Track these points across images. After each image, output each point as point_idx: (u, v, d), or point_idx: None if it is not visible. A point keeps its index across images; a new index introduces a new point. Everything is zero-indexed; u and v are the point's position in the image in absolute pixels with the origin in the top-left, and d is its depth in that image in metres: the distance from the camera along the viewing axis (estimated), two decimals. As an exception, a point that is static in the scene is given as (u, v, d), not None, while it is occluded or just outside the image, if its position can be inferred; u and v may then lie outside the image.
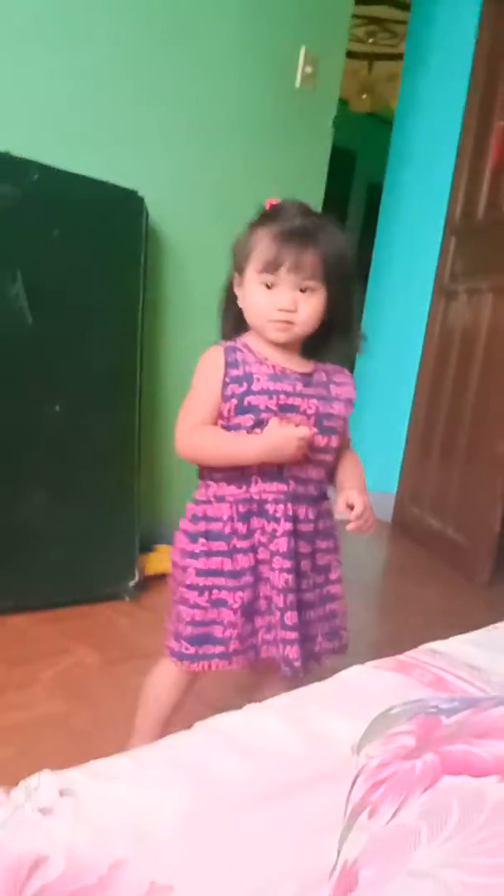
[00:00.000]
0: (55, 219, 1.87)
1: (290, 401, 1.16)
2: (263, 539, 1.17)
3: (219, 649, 1.16)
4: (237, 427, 1.15)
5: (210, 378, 1.16)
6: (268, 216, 1.17)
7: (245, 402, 1.14)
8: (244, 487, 1.17)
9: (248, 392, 1.14)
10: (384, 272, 3.47)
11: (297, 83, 2.48)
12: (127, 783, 0.70)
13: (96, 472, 2.01)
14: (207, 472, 1.19)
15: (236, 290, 1.20)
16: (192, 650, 1.17)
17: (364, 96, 5.52)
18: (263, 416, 1.14)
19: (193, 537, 1.18)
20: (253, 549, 1.17)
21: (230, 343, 1.19)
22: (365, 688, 0.91)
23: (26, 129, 1.92)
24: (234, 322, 1.22)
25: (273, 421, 1.13)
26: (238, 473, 1.16)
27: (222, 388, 1.14)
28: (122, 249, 2.02)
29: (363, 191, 6.18)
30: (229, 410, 1.14)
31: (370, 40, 5.15)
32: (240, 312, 1.19)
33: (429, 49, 3.29)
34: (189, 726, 0.82)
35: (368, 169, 5.65)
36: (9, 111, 1.90)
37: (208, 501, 1.18)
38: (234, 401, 1.14)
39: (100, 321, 1.96)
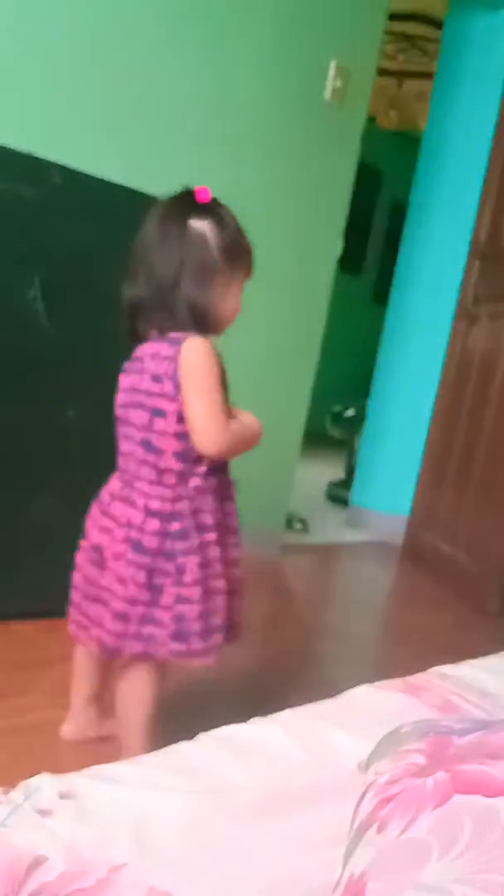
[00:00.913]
0: (76, 222, 1.87)
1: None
2: (227, 520, 1.25)
3: (219, 637, 1.20)
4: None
5: (218, 373, 1.18)
6: (222, 212, 1.20)
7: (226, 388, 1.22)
8: (223, 474, 1.24)
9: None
10: (406, 293, 3.46)
11: (326, 96, 2.50)
12: (129, 788, 0.68)
13: (107, 480, 2.00)
14: (189, 466, 1.19)
15: (217, 285, 1.18)
16: (200, 646, 1.18)
17: (392, 113, 5.54)
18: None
19: (184, 534, 1.18)
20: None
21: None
22: (372, 707, 0.90)
23: (51, 131, 1.93)
24: (186, 313, 1.18)
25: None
26: (221, 462, 1.22)
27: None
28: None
29: (387, 208, 6.18)
30: None
31: (400, 57, 5.17)
32: (195, 305, 1.17)
33: (460, 69, 3.30)
34: (192, 737, 0.81)
35: (393, 187, 5.67)
36: (36, 113, 1.92)
37: (189, 497, 1.19)
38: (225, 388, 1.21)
39: (118, 327, 1.96)
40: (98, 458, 1.97)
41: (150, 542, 1.18)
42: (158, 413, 1.17)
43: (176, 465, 1.18)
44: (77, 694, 1.36)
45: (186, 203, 1.19)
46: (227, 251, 1.18)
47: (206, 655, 1.19)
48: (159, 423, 1.18)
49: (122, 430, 1.24)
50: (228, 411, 1.20)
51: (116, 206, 1.96)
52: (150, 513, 1.18)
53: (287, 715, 0.85)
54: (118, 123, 2.07)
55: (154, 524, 1.18)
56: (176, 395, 1.15)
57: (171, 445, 1.18)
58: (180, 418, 1.16)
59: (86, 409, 1.93)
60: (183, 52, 2.16)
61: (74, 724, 1.36)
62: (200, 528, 1.20)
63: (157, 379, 1.17)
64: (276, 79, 2.39)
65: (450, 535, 2.96)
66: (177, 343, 1.16)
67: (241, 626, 1.28)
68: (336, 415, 4.45)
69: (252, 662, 1.87)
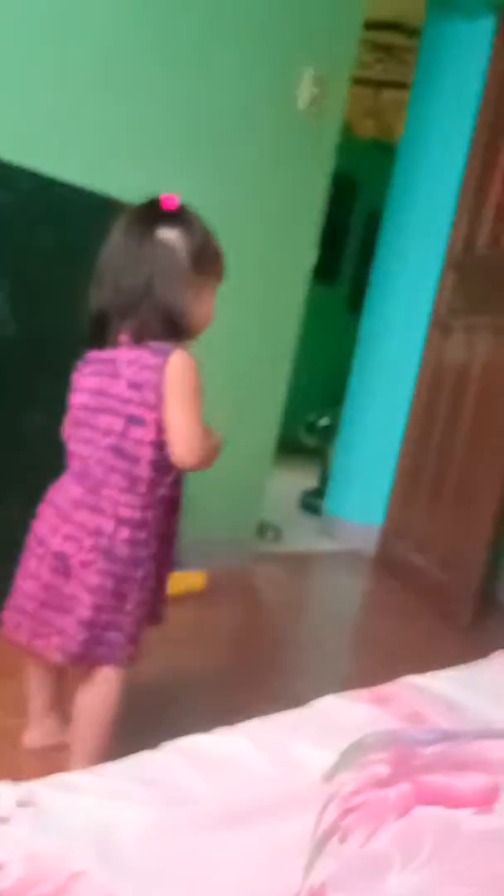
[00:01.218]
0: (45, 227, 1.87)
1: None
2: (171, 528, 1.28)
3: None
4: None
5: (200, 386, 1.19)
6: (191, 218, 1.21)
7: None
8: (181, 485, 1.27)
9: None
10: (381, 302, 3.47)
11: (302, 104, 2.51)
12: (91, 797, 0.68)
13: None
14: (160, 476, 1.20)
15: (189, 291, 1.18)
16: (143, 646, 1.25)
17: (369, 122, 5.59)
18: None
19: (147, 542, 1.21)
20: None
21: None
22: (338, 717, 0.90)
23: (20, 135, 1.91)
24: (160, 321, 1.18)
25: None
26: (179, 472, 1.24)
27: None
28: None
29: (363, 217, 6.21)
30: None
31: (378, 67, 5.22)
32: (169, 312, 1.17)
33: (437, 80, 3.33)
34: (155, 746, 0.80)
35: (369, 196, 5.70)
36: (3, 118, 1.90)
37: (154, 506, 1.21)
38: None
39: (84, 332, 1.95)
40: (63, 464, 1.96)
41: (122, 550, 1.18)
42: (136, 421, 1.17)
43: (148, 474, 1.19)
44: (35, 702, 1.35)
45: (154, 211, 1.19)
46: (197, 257, 1.18)
47: (139, 658, 1.25)
48: (136, 432, 1.17)
49: (81, 433, 1.23)
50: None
51: (84, 210, 1.95)
52: (120, 521, 1.18)
53: (252, 725, 0.84)
54: (89, 130, 2.05)
55: (125, 533, 1.18)
56: (157, 405, 1.16)
57: (146, 454, 1.18)
58: (159, 428, 1.17)
59: (51, 414, 1.91)
60: (157, 58, 2.16)
61: (36, 732, 1.35)
62: (157, 537, 1.23)
63: (135, 387, 1.17)
64: (252, 86, 2.39)
65: (422, 546, 2.97)
66: (161, 354, 1.16)
67: (163, 612, 1.34)
68: (310, 424, 4.47)
69: (220, 671, 1.86)
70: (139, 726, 1.33)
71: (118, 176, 2.07)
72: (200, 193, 2.43)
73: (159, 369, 1.15)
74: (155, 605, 1.29)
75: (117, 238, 1.19)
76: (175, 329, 1.18)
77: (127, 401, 1.17)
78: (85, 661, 1.20)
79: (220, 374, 2.51)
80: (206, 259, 1.20)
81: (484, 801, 0.55)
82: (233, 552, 2.68)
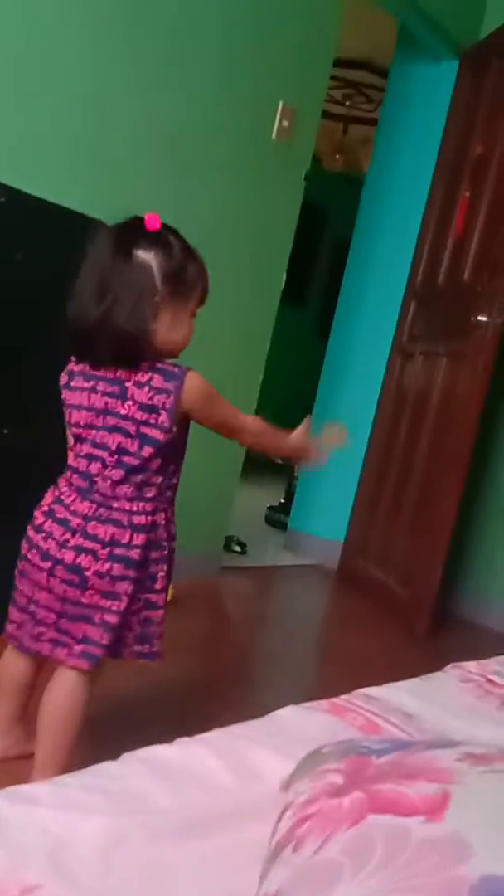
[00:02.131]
0: (19, 243, 1.87)
1: None
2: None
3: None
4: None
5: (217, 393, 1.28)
6: (171, 239, 1.22)
7: None
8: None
9: None
10: (346, 328, 3.54)
11: (273, 135, 2.55)
12: (47, 809, 0.68)
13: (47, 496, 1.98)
14: (167, 479, 1.25)
15: (162, 314, 1.19)
16: (158, 647, 1.28)
17: (337, 156, 5.70)
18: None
19: (158, 543, 1.25)
20: None
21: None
22: (297, 727, 0.91)
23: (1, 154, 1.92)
24: (121, 342, 1.18)
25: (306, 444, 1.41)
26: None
27: None
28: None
29: (332, 247, 6.31)
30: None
31: (347, 103, 5.34)
32: (128, 335, 1.18)
33: (403, 118, 3.43)
34: (116, 756, 0.80)
35: (338, 225, 5.80)
36: None
37: (164, 507, 1.26)
38: None
39: (59, 349, 1.95)
40: (38, 479, 1.95)
41: (139, 555, 1.23)
42: (152, 443, 1.21)
43: (156, 479, 1.24)
44: (1, 712, 1.34)
45: (135, 231, 1.20)
46: (172, 281, 1.19)
47: (158, 657, 1.29)
48: (148, 451, 1.21)
49: (85, 449, 1.23)
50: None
51: (61, 229, 1.95)
52: (135, 528, 1.22)
53: (213, 735, 0.86)
54: (66, 148, 2.07)
55: (141, 538, 1.22)
56: (171, 428, 1.21)
57: (155, 465, 1.23)
58: (171, 445, 1.23)
59: (23, 428, 1.91)
60: (135, 83, 2.19)
61: (1, 743, 1.34)
62: (170, 537, 1.27)
63: (149, 409, 1.19)
64: (225, 115, 2.43)
65: (382, 562, 3.01)
66: (173, 378, 1.20)
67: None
68: (276, 440, 4.49)
69: (184, 682, 1.86)
70: (103, 736, 1.34)
71: (88, 192, 2.08)
72: (173, 216, 2.47)
73: (172, 393, 1.19)
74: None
75: (96, 253, 1.20)
76: (135, 352, 1.18)
77: (140, 423, 1.20)
78: (119, 657, 1.25)
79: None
80: (182, 282, 1.21)
81: (434, 810, 0.57)
82: (199, 565, 2.69)
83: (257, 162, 2.55)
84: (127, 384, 1.20)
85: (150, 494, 1.23)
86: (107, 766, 0.77)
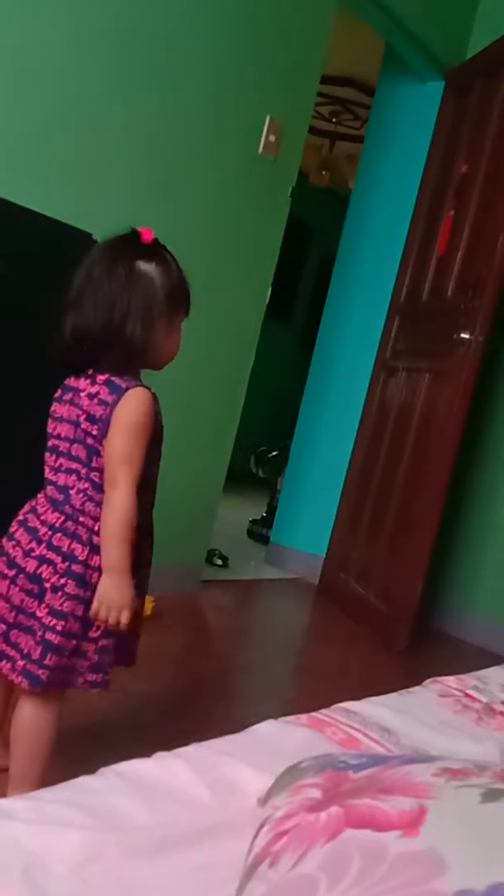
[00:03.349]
0: (3, 252, 1.86)
1: (161, 444, 1.28)
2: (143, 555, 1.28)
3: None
4: (149, 465, 1.22)
5: (153, 426, 1.20)
6: (165, 254, 1.23)
7: (160, 445, 1.26)
8: (150, 513, 1.29)
9: (161, 435, 1.25)
10: (330, 342, 3.57)
11: (260, 149, 2.57)
12: (23, 823, 0.67)
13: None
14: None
15: (161, 326, 1.20)
16: (109, 676, 1.23)
17: (324, 172, 5.75)
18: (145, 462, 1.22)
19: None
20: None
21: (148, 388, 1.21)
22: (276, 742, 0.91)
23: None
24: (128, 352, 1.19)
25: (131, 590, 1.19)
26: (151, 501, 1.27)
27: (154, 433, 1.21)
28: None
29: (316, 261, 6.36)
30: (151, 451, 1.22)
31: (333, 119, 5.40)
32: (138, 345, 1.19)
33: (389, 135, 3.47)
34: (94, 770, 0.80)
35: (323, 240, 5.85)
36: None
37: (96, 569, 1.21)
38: (157, 444, 1.24)
39: (32, 356, 1.94)
40: (8, 487, 1.93)
41: (93, 577, 1.19)
42: (97, 453, 1.19)
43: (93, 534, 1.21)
44: None
45: (133, 243, 1.21)
46: (171, 293, 1.21)
47: (108, 685, 1.24)
48: (98, 461, 1.20)
49: (61, 463, 1.23)
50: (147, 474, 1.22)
51: (47, 239, 1.95)
52: (94, 548, 1.19)
53: (191, 750, 0.85)
54: (54, 158, 2.07)
55: (97, 559, 1.19)
56: (104, 438, 1.18)
57: None
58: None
59: (6, 438, 1.90)
60: (123, 95, 2.20)
61: None
62: (136, 566, 1.22)
63: (92, 420, 1.19)
64: (212, 129, 2.45)
65: (363, 577, 3.02)
66: (117, 391, 1.18)
67: (136, 650, 1.34)
68: (260, 455, 4.51)
69: (164, 695, 1.86)
70: (80, 750, 1.33)
71: (75, 203, 2.09)
72: (159, 228, 2.47)
73: (113, 405, 1.17)
74: (126, 641, 1.28)
75: (98, 265, 1.20)
76: (137, 362, 1.21)
77: (87, 433, 1.19)
78: (50, 687, 1.18)
79: (175, 404, 2.54)
80: (180, 294, 1.23)
81: (410, 824, 0.57)
82: (181, 578, 2.69)
83: (244, 176, 2.57)
84: (81, 395, 1.20)
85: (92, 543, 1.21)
86: (84, 781, 0.76)
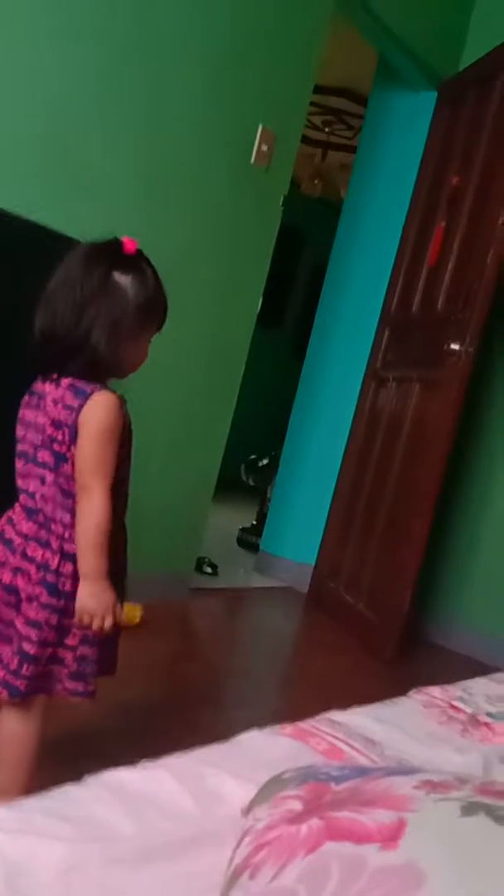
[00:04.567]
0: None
1: (130, 447, 1.28)
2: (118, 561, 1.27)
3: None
4: (117, 469, 1.20)
5: (120, 430, 1.19)
6: (145, 264, 1.22)
7: (128, 450, 1.25)
8: (122, 522, 1.28)
9: (130, 439, 1.25)
10: (321, 351, 3.58)
11: (252, 159, 2.59)
12: (6, 833, 0.67)
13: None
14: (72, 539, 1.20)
15: (128, 339, 1.20)
16: (92, 686, 1.23)
17: (316, 181, 5.77)
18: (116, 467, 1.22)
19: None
20: None
21: (114, 392, 1.20)
22: (261, 752, 0.91)
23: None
24: (89, 365, 1.19)
25: (113, 597, 1.20)
26: (122, 509, 1.26)
27: (122, 438, 1.21)
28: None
29: (309, 269, 6.37)
30: (121, 458, 1.22)
31: (326, 129, 5.42)
32: (100, 356, 1.18)
33: (381, 146, 3.49)
34: (79, 778, 0.80)
35: (315, 249, 5.87)
36: None
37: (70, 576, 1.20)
38: (125, 448, 1.23)
39: (5, 358, 1.93)
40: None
41: (65, 585, 1.19)
42: (63, 458, 1.19)
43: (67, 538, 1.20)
44: None
45: (113, 252, 1.20)
46: (144, 308, 1.20)
47: (92, 695, 1.23)
48: (65, 468, 1.19)
49: (29, 469, 1.23)
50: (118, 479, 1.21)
51: (38, 247, 1.94)
52: (65, 556, 1.19)
53: (176, 759, 0.85)
54: (41, 168, 2.07)
55: (69, 567, 1.19)
56: (72, 444, 1.17)
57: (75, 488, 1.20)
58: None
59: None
60: (114, 102, 2.21)
61: None
62: (109, 572, 1.21)
63: (58, 425, 1.18)
64: (205, 137, 2.46)
65: (352, 586, 3.02)
66: (82, 395, 1.17)
67: (116, 659, 1.33)
68: (250, 463, 4.51)
69: (151, 703, 1.86)
70: (66, 757, 1.33)
71: (66, 210, 2.09)
72: (151, 236, 2.47)
73: (78, 410, 1.16)
74: (105, 650, 1.27)
75: (74, 268, 1.19)
76: (98, 372, 1.20)
77: (52, 438, 1.19)
78: (28, 695, 1.19)
79: (166, 412, 2.55)
80: (152, 309, 1.22)
81: (389, 837, 0.57)
82: (170, 586, 2.69)
83: (236, 185, 2.58)
84: (46, 400, 1.20)
85: (66, 550, 1.20)
86: (68, 790, 0.77)
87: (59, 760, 1.30)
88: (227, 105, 2.50)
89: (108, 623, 1.18)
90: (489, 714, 1.18)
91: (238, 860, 0.61)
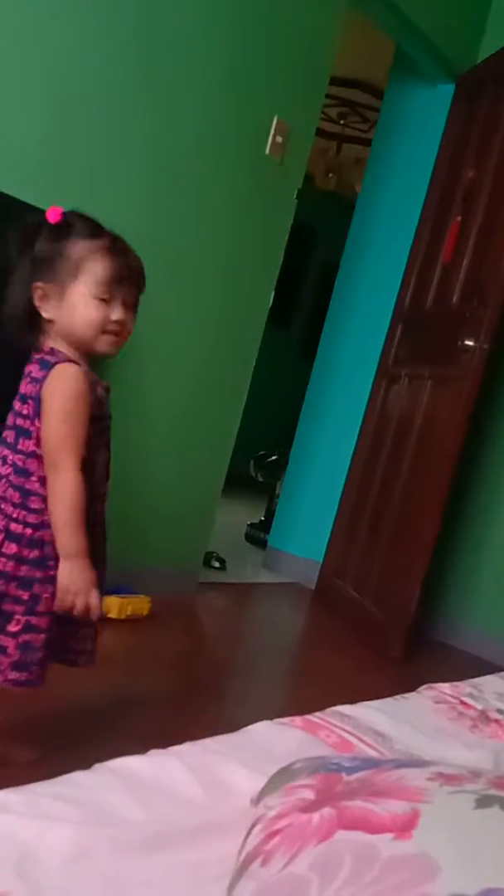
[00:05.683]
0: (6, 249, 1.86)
1: (108, 422, 1.24)
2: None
3: (48, 664, 1.22)
4: (89, 449, 1.18)
5: (85, 402, 1.17)
6: (64, 225, 1.19)
7: (98, 427, 1.21)
8: (91, 510, 1.21)
9: (101, 416, 1.21)
10: (332, 348, 3.56)
11: (267, 150, 2.57)
12: (16, 816, 0.67)
13: None
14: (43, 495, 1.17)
15: (40, 303, 1.18)
16: (37, 674, 1.18)
17: (330, 175, 5.75)
18: (105, 438, 1.21)
19: (42, 563, 1.17)
20: None
21: (74, 360, 1.18)
22: (270, 742, 0.91)
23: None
24: (37, 332, 1.20)
25: (92, 574, 1.17)
26: (90, 496, 1.20)
27: (90, 412, 1.18)
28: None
29: (319, 266, 6.35)
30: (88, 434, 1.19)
31: (341, 122, 5.39)
32: (41, 323, 1.18)
33: (396, 139, 3.47)
34: (88, 766, 0.80)
35: (327, 246, 5.85)
36: None
37: (45, 525, 1.17)
38: (93, 425, 1.19)
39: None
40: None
41: (5, 565, 1.15)
42: (24, 433, 1.17)
43: (41, 490, 1.17)
44: None
45: (38, 225, 1.20)
46: (49, 262, 1.17)
47: (38, 683, 1.19)
48: (25, 444, 1.17)
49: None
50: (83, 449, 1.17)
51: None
52: (9, 535, 1.16)
53: (185, 748, 0.85)
54: (55, 159, 2.06)
55: (11, 548, 1.16)
56: (36, 417, 1.16)
57: (36, 469, 1.17)
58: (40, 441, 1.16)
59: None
60: (128, 92, 2.19)
61: None
62: (57, 558, 1.18)
63: (24, 399, 1.18)
64: (219, 129, 2.45)
65: (359, 583, 3.01)
66: (47, 367, 1.16)
67: (92, 652, 1.29)
68: (259, 459, 4.51)
69: (159, 695, 1.85)
70: (74, 748, 1.32)
71: (81, 209, 2.08)
72: (162, 227, 2.46)
73: (42, 382, 1.15)
74: (66, 640, 1.24)
75: (12, 248, 1.20)
76: (62, 339, 1.19)
77: (18, 413, 1.18)
78: None
79: (177, 406, 2.55)
80: (61, 263, 1.17)
81: (403, 828, 0.57)
82: (178, 580, 2.69)
83: (249, 177, 2.56)
84: (24, 377, 1.20)
85: (34, 505, 1.17)
86: (78, 776, 0.76)
87: (66, 750, 1.30)
88: (242, 95, 2.48)
89: (93, 600, 1.16)
90: (499, 711, 1.18)
91: (249, 847, 0.60)
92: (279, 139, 2.58)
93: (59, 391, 1.15)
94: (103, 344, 1.20)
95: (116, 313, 1.18)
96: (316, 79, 2.72)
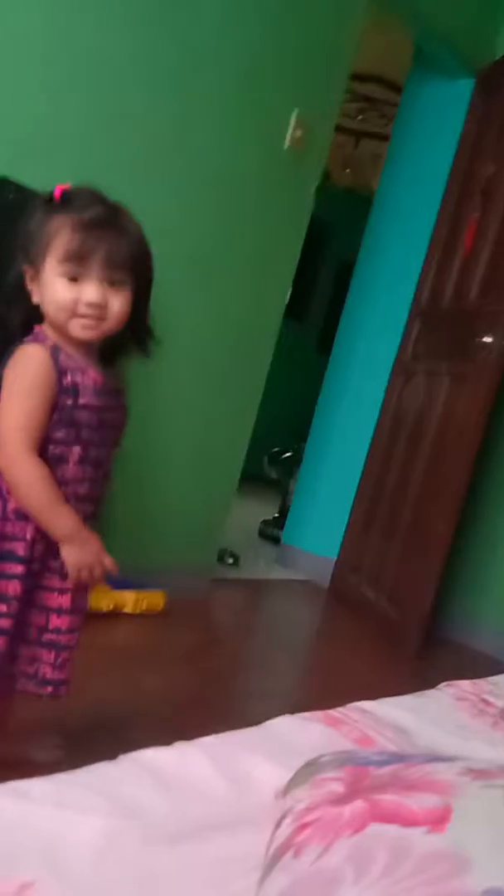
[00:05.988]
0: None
1: (108, 416, 1.14)
2: (56, 565, 1.13)
3: None
4: (56, 442, 1.09)
5: (42, 383, 1.06)
6: (61, 203, 1.08)
7: (71, 417, 1.09)
8: (84, 504, 1.14)
9: (76, 406, 1.09)
10: (349, 344, 3.55)
11: (286, 144, 2.56)
12: (44, 806, 0.67)
13: None
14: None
15: (30, 286, 1.10)
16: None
17: (347, 171, 5.72)
18: (85, 433, 1.10)
19: (9, 558, 1.09)
20: (35, 575, 1.12)
21: (51, 342, 1.09)
22: (293, 737, 0.91)
23: (9, 149, 1.92)
24: (24, 316, 1.12)
25: (96, 540, 1.12)
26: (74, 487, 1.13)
27: (56, 398, 1.07)
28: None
29: (335, 262, 6.33)
30: (52, 423, 1.08)
31: (359, 117, 5.35)
32: (32, 309, 1.11)
33: (415, 134, 3.45)
34: (113, 758, 0.80)
35: (344, 241, 5.83)
36: (12, 137, 1.91)
37: (4, 518, 1.09)
38: (60, 413, 1.08)
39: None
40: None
41: None
42: None
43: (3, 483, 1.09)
44: None
45: (46, 202, 1.11)
46: (28, 242, 1.09)
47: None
48: None
49: None
50: (42, 434, 1.08)
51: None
52: None
53: (210, 741, 0.85)
54: (74, 149, 2.06)
55: None
56: None
57: None
58: None
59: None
60: (148, 84, 2.19)
61: None
62: (31, 558, 1.11)
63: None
64: (239, 122, 2.43)
65: (374, 581, 3.00)
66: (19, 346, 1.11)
67: (65, 682, 1.19)
68: (273, 455, 4.50)
69: (174, 690, 1.85)
70: (96, 744, 1.32)
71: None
72: (176, 220, 2.44)
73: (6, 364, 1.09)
74: (48, 669, 1.16)
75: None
76: (42, 318, 1.12)
77: None
78: None
79: (192, 403, 2.54)
80: (35, 240, 1.08)
81: (436, 821, 0.57)
82: (192, 576, 2.69)
83: (268, 170, 2.55)
84: None
85: None
86: (103, 767, 0.76)
87: (88, 746, 1.30)
88: (262, 88, 2.46)
89: (108, 563, 1.11)
90: (521, 708, 1.17)
91: (279, 840, 0.60)
92: (298, 133, 2.56)
93: (15, 371, 1.07)
94: (76, 328, 1.08)
95: (88, 294, 1.06)
96: (336, 73, 2.70)
